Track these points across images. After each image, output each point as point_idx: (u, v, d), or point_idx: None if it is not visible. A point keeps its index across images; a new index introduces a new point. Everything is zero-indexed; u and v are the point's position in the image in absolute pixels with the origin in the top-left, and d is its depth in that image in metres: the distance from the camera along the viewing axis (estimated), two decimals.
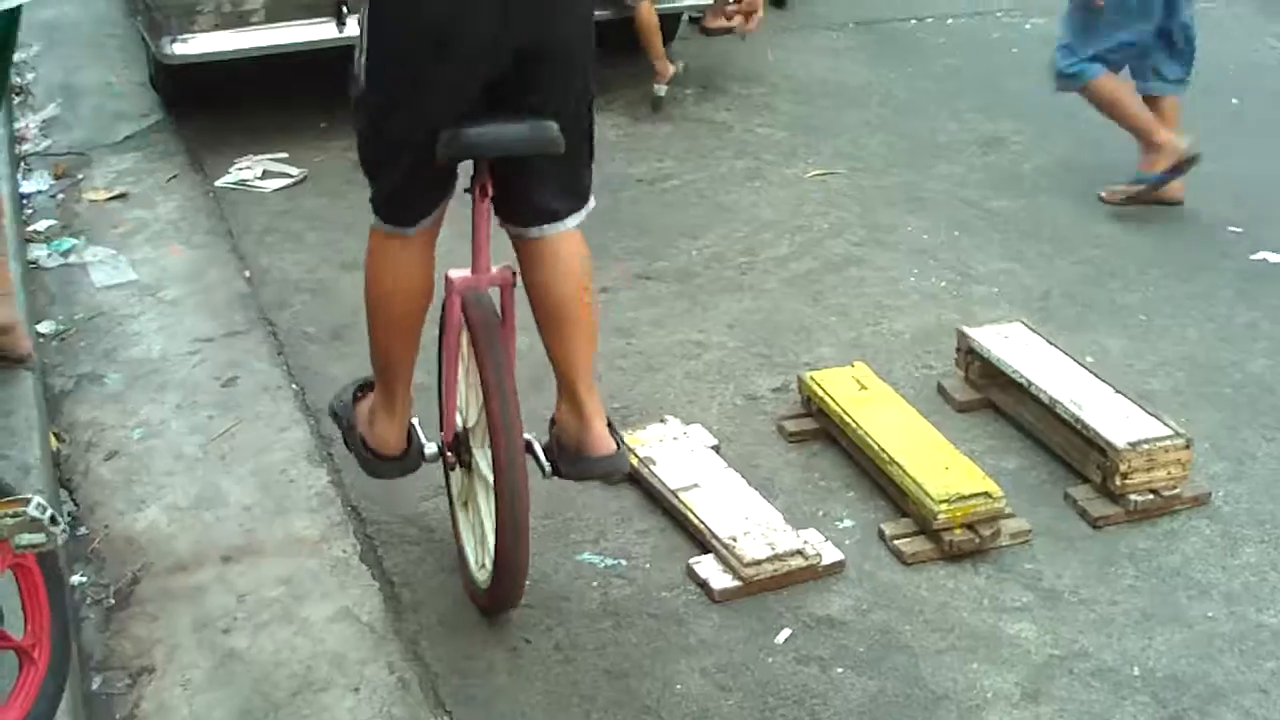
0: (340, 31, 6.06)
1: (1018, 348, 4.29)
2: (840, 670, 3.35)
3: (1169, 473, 3.86)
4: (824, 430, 4.20)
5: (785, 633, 3.46)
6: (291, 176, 6.02)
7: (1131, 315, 4.96)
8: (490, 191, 3.24)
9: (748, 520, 3.71)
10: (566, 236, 3.32)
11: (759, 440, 4.22)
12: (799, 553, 3.63)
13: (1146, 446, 3.82)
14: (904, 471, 3.79)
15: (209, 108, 6.64)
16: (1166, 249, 5.45)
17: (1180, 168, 5.57)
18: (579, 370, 3.37)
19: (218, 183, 5.98)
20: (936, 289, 5.14)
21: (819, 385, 4.19)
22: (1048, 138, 6.51)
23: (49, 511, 2.77)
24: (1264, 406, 4.40)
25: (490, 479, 3.30)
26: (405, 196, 3.27)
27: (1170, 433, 3.88)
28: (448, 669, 3.35)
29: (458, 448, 3.51)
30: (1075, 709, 3.24)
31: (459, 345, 3.40)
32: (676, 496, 3.82)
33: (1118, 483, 3.82)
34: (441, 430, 3.53)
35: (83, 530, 3.82)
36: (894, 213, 5.74)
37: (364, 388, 3.64)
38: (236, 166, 6.09)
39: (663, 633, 3.46)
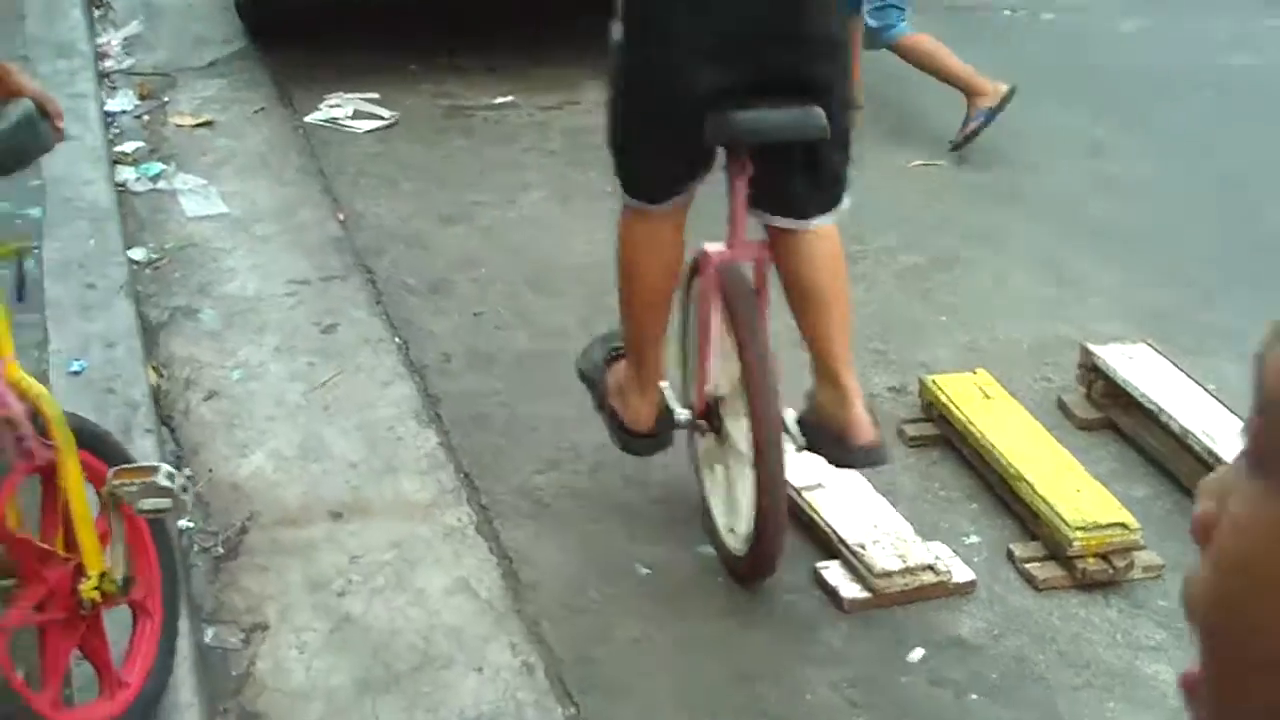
0: None
1: (1144, 369, 4.17)
2: (975, 697, 3.24)
3: None
4: (944, 437, 4.08)
5: (918, 651, 3.35)
6: (384, 119, 5.88)
7: (1248, 342, 4.81)
8: (750, 170, 3.19)
9: (876, 529, 3.59)
10: (820, 232, 3.29)
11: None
12: (930, 568, 3.51)
13: None
14: (1034, 491, 3.68)
15: (294, 39, 6.48)
16: (1264, 267, 5.32)
17: (1005, 101, 5.82)
18: (837, 351, 3.34)
19: (307, 119, 5.85)
20: (1049, 296, 5.01)
21: (941, 390, 4.08)
22: (1153, 141, 6.37)
23: (178, 480, 2.68)
24: None
25: (745, 453, 3.28)
26: (661, 174, 3.24)
27: None
28: (572, 656, 3.23)
29: (709, 416, 3.49)
30: None
31: (713, 318, 3.36)
32: (801, 495, 3.69)
33: None
34: (692, 398, 3.53)
35: (187, 472, 3.68)
36: (999, 211, 5.61)
37: (615, 351, 3.62)
38: (327, 103, 5.96)
39: (791, 637, 3.35)
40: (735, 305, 3.27)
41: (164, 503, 2.67)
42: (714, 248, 3.33)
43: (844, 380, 3.35)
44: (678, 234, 3.33)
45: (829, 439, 3.40)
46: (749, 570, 3.42)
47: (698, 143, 3.12)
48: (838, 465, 3.49)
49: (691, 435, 3.63)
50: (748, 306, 3.26)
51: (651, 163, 3.25)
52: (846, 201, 3.36)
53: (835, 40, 3.23)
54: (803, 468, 3.75)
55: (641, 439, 3.55)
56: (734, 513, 3.44)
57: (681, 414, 3.51)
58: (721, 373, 3.44)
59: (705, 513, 3.57)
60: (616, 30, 3.18)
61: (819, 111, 3.10)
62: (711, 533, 3.54)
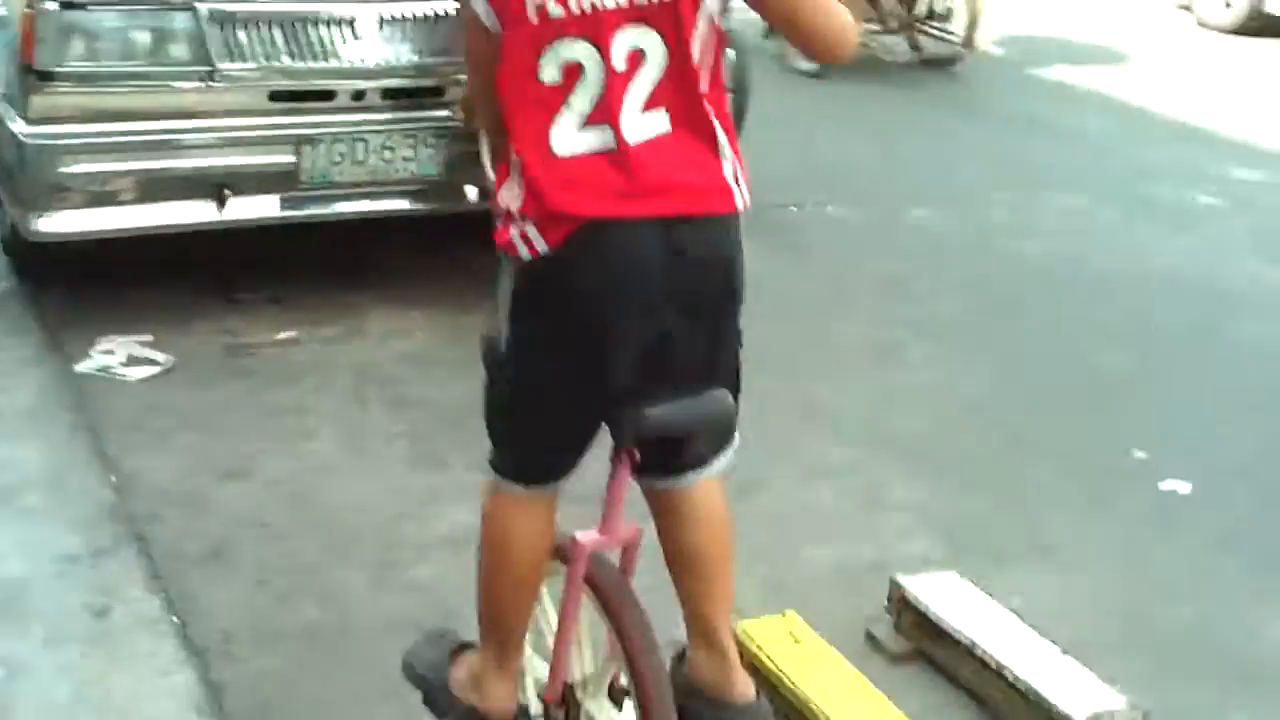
0: (220, 214, 5.71)
1: (954, 600, 4.09)
2: None
3: None
4: (758, 688, 3.94)
5: None
6: (158, 364, 5.63)
7: (1051, 554, 4.81)
8: (636, 458, 3.03)
9: None
10: (711, 485, 3.23)
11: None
12: None
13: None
14: None
15: (65, 277, 6.23)
16: (1073, 479, 5.33)
17: None
18: (718, 614, 3.25)
19: (78, 367, 5.57)
20: (853, 516, 4.94)
21: (751, 638, 3.94)
22: (943, 346, 6.40)
23: None
24: (1207, 664, 4.25)
25: None
26: (547, 461, 3.10)
27: (1127, 705, 3.70)
28: None
29: (564, 705, 3.26)
30: None
31: (578, 605, 3.15)
32: None
33: None
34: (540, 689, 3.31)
35: None
36: (792, 425, 5.54)
37: (459, 647, 3.40)
38: (98, 349, 5.69)
39: None
40: (609, 596, 3.10)
41: None
42: (585, 536, 3.10)
43: (723, 642, 3.26)
44: (551, 516, 3.15)
45: (706, 703, 3.28)
46: None
47: (590, 429, 3.03)
48: None
49: None
50: (623, 595, 3.11)
51: (541, 454, 3.10)
52: (736, 440, 3.27)
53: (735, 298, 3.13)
54: None
55: None
56: None
57: (533, 706, 3.30)
58: (576, 656, 3.25)
59: None
60: (501, 329, 2.99)
61: (726, 396, 3.04)
62: None
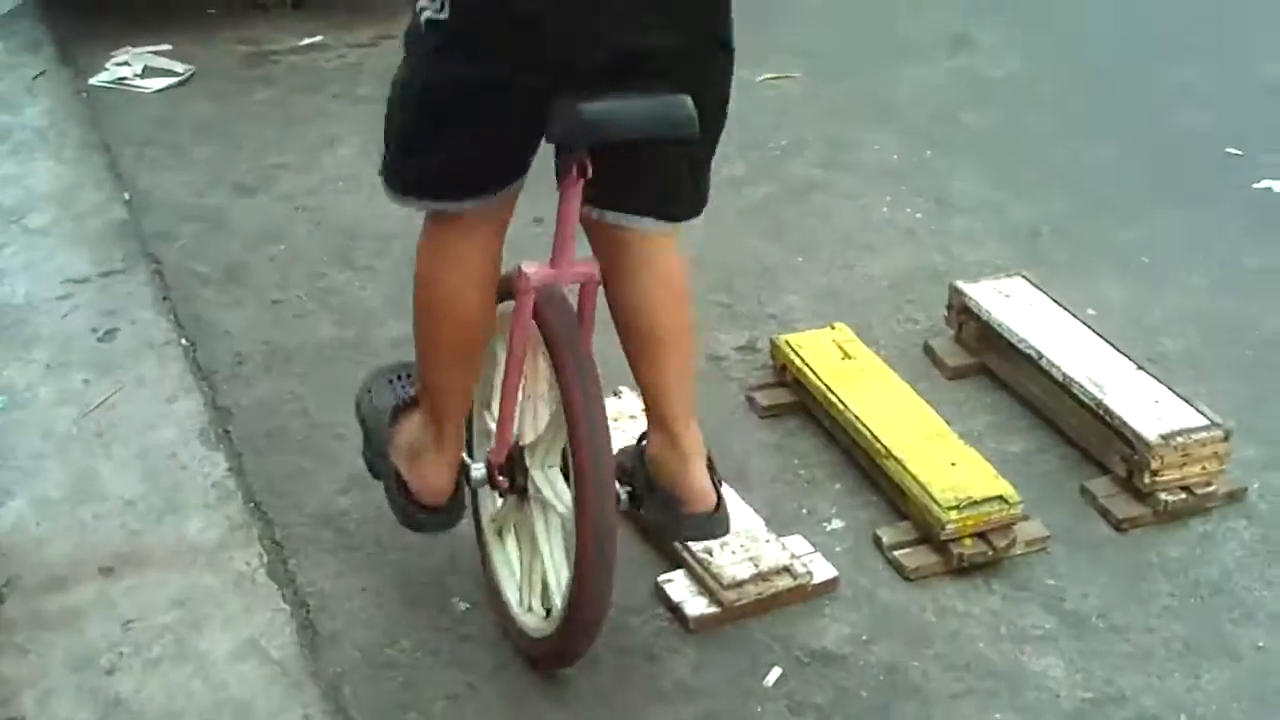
0: None
1: (1020, 308, 3.76)
2: None
3: (1204, 468, 3.36)
4: (801, 403, 3.66)
5: (775, 672, 2.93)
6: (177, 74, 5.32)
7: (1131, 257, 4.44)
8: (589, 172, 2.48)
9: None
10: (668, 241, 2.69)
11: (728, 415, 3.67)
12: (786, 570, 3.10)
13: (1180, 440, 3.32)
14: (903, 468, 3.27)
15: None
16: (1161, 176, 4.93)
17: None
18: (676, 400, 2.77)
19: (92, 81, 5.27)
20: (913, 222, 4.59)
21: (795, 352, 3.64)
22: (1022, 37, 5.93)
23: None
24: None
25: (559, 507, 2.74)
26: (473, 164, 2.52)
27: (1206, 423, 3.37)
28: None
29: (510, 469, 2.87)
30: None
31: (525, 352, 2.71)
32: None
33: (1146, 480, 3.32)
34: (487, 450, 2.91)
35: None
36: (858, 126, 5.16)
37: (407, 402, 2.97)
38: (114, 61, 5.38)
39: (632, 674, 2.92)
40: (555, 338, 2.64)
41: None
42: (532, 267, 2.63)
43: (682, 436, 2.77)
44: (494, 252, 2.64)
45: (658, 502, 2.84)
46: (561, 650, 2.82)
47: (520, 124, 2.46)
48: (666, 536, 2.97)
49: (474, 498, 3.06)
50: (570, 339, 2.64)
51: (459, 149, 2.48)
52: (699, 220, 2.74)
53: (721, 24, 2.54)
54: None
55: (433, 514, 2.90)
56: (534, 587, 2.92)
57: (476, 469, 2.88)
58: (525, 418, 2.86)
59: (493, 593, 3.03)
60: None
61: (686, 101, 2.41)
62: (502, 615, 2.99)
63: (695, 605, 3.04)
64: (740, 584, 3.05)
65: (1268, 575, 3.23)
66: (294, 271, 4.22)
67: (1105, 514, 3.36)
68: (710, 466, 2.82)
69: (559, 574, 2.84)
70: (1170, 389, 3.47)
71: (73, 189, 4.58)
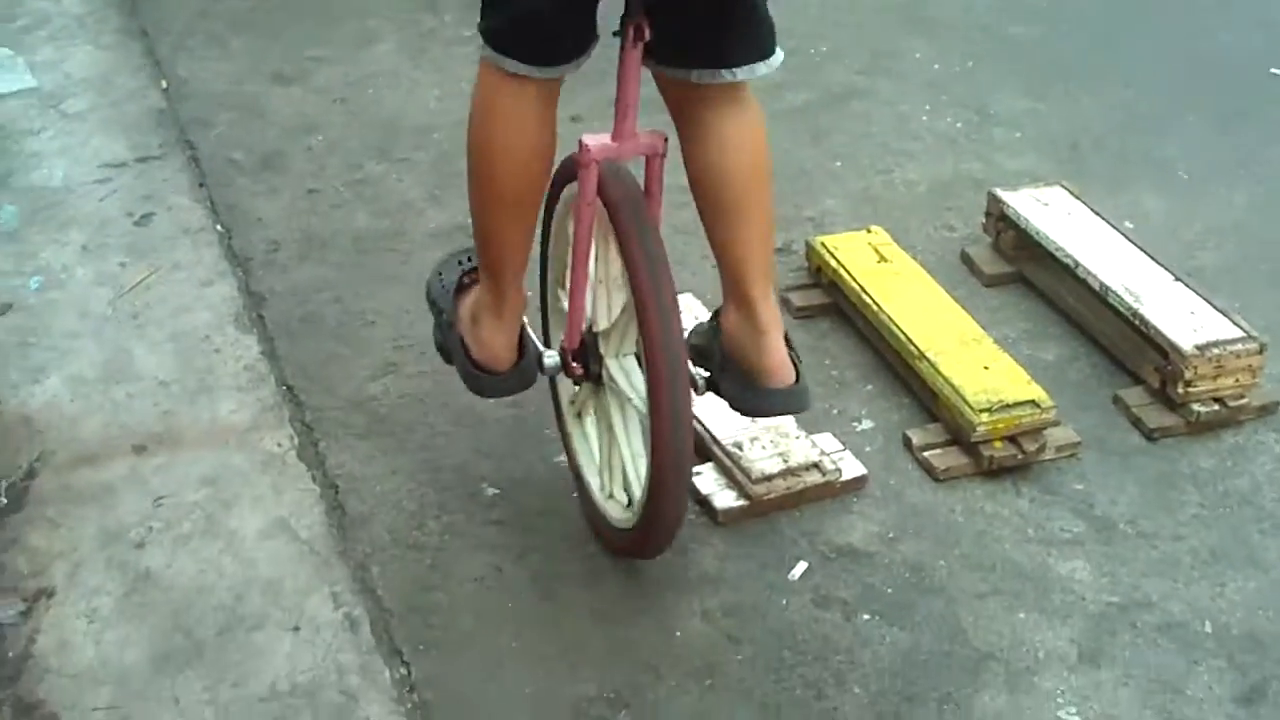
0: None
1: (1058, 217, 3.73)
2: (867, 618, 2.84)
3: (1237, 380, 3.34)
4: (835, 305, 3.65)
5: (801, 566, 2.95)
6: None
7: (1170, 171, 4.40)
8: (646, 35, 2.46)
9: (754, 423, 3.16)
10: (742, 94, 2.59)
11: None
12: (815, 466, 3.10)
13: (1216, 351, 3.30)
14: (936, 370, 3.26)
15: None
16: (1202, 92, 4.87)
17: None
18: (755, 271, 2.65)
19: None
20: (952, 130, 4.55)
21: (831, 254, 3.63)
22: None
23: None
24: None
25: (633, 398, 2.72)
26: (550, 23, 2.48)
27: (1242, 335, 3.35)
28: (403, 605, 2.81)
29: (583, 356, 2.84)
30: (1141, 674, 2.75)
31: (591, 232, 2.67)
32: None
33: (1179, 390, 3.30)
34: (560, 337, 2.90)
35: None
36: (898, 35, 5.11)
37: (471, 274, 2.94)
38: None
39: (658, 562, 2.92)
40: (620, 214, 2.57)
41: None
42: (594, 139, 2.57)
43: (761, 309, 2.66)
44: (550, 114, 2.58)
45: (735, 378, 2.75)
46: (640, 544, 2.79)
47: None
48: (746, 412, 2.81)
49: (554, 384, 3.07)
50: (637, 215, 2.56)
51: (540, 4, 2.45)
52: (779, 56, 2.59)
53: None
54: None
55: (496, 378, 2.85)
56: (615, 474, 2.90)
57: (549, 357, 2.86)
58: (599, 303, 2.81)
59: (576, 478, 3.03)
60: None
61: None
62: (586, 501, 3.00)
63: (724, 498, 3.05)
64: (769, 478, 3.05)
65: None
66: (331, 162, 4.21)
67: (1137, 423, 3.35)
68: (787, 340, 2.75)
69: (637, 465, 2.82)
70: (1207, 300, 3.45)
71: (111, 75, 4.57)
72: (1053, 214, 3.72)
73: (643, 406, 2.66)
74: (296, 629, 2.72)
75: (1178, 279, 3.52)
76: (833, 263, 3.60)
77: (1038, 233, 3.67)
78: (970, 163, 4.36)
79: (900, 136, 4.49)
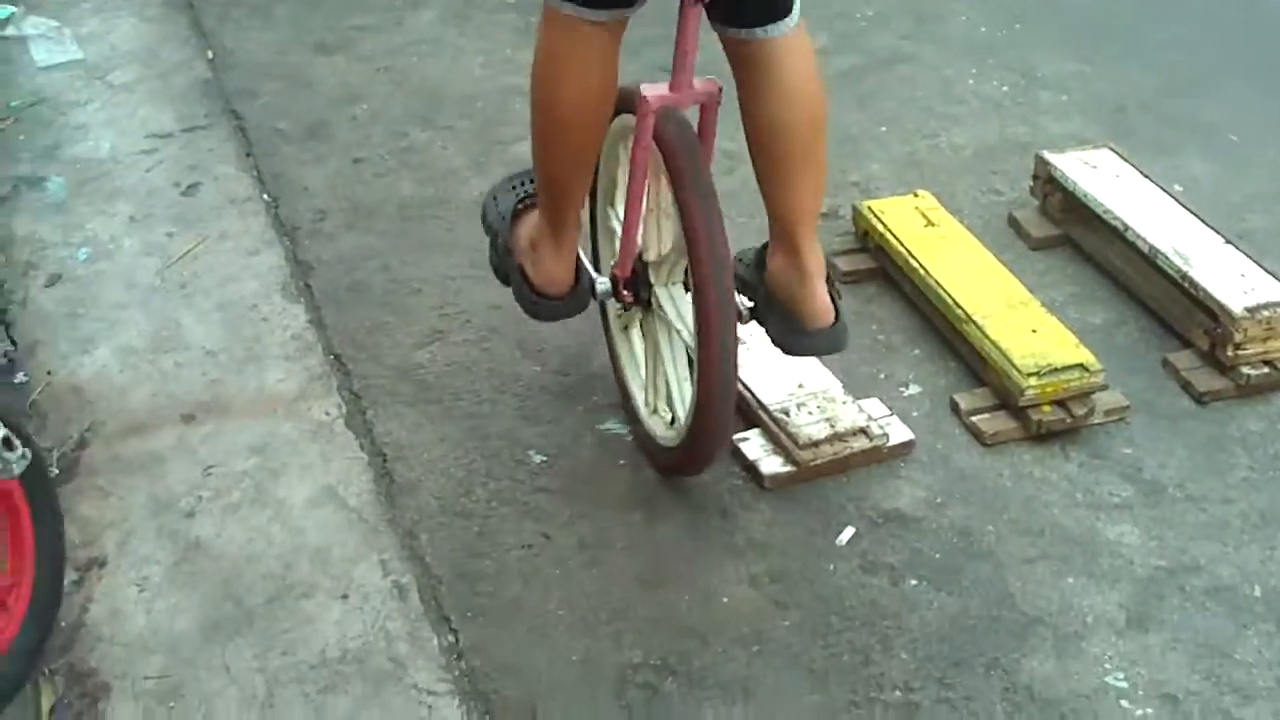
0: None
1: (1107, 180, 3.70)
2: (914, 583, 2.84)
3: None
4: (882, 270, 3.64)
5: (848, 532, 2.94)
6: None
7: (1219, 135, 4.35)
8: None
9: (801, 389, 3.16)
10: (800, 47, 2.65)
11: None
12: (863, 432, 3.09)
13: (1266, 314, 3.27)
14: (983, 334, 3.24)
15: None
16: (1250, 53, 4.82)
17: None
18: (803, 216, 2.75)
19: None
20: (998, 94, 4.52)
21: (878, 218, 3.61)
22: None
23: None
24: None
25: (682, 328, 2.83)
26: None
27: None
28: (451, 572, 2.82)
29: (634, 284, 2.95)
30: (1190, 639, 2.74)
31: (646, 173, 2.79)
32: None
33: (1229, 353, 3.28)
34: (612, 264, 3.00)
35: (22, 376, 3.25)
36: None
37: (526, 199, 3.05)
38: None
39: (705, 528, 2.94)
40: (677, 158, 2.68)
41: None
42: (652, 89, 2.68)
43: (806, 254, 2.76)
44: (614, 57, 2.66)
45: (778, 317, 2.86)
46: (682, 463, 2.93)
47: None
48: (787, 351, 2.91)
49: (604, 307, 3.15)
50: (692, 159, 2.68)
51: None
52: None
53: None
54: None
55: (553, 302, 2.96)
56: (660, 392, 3.00)
57: (601, 283, 2.97)
58: (650, 235, 2.92)
59: (623, 394, 3.12)
60: None
61: None
62: (633, 418, 3.08)
63: (770, 464, 3.05)
64: (816, 444, 3.05)
65: None
66: (375, 131, 4.22)
67: (1186, 386, 3.33)
68: (829, 281, 2.83)
69: (682, 389, 2.91)
70: (1257, 263, 3.42)
71: (156, 46, 4.58)
72: (1101, 176, 3.69)
73: (689, 336, 2.78)
74: (345, 597, 2.73)
75: (1228, 241, 3.49)
76: (879, 227, 3.58)
77: (1086, 195, 3.65)
78: (1016, 126, 4.32)
79: (946, 101, 4.47)
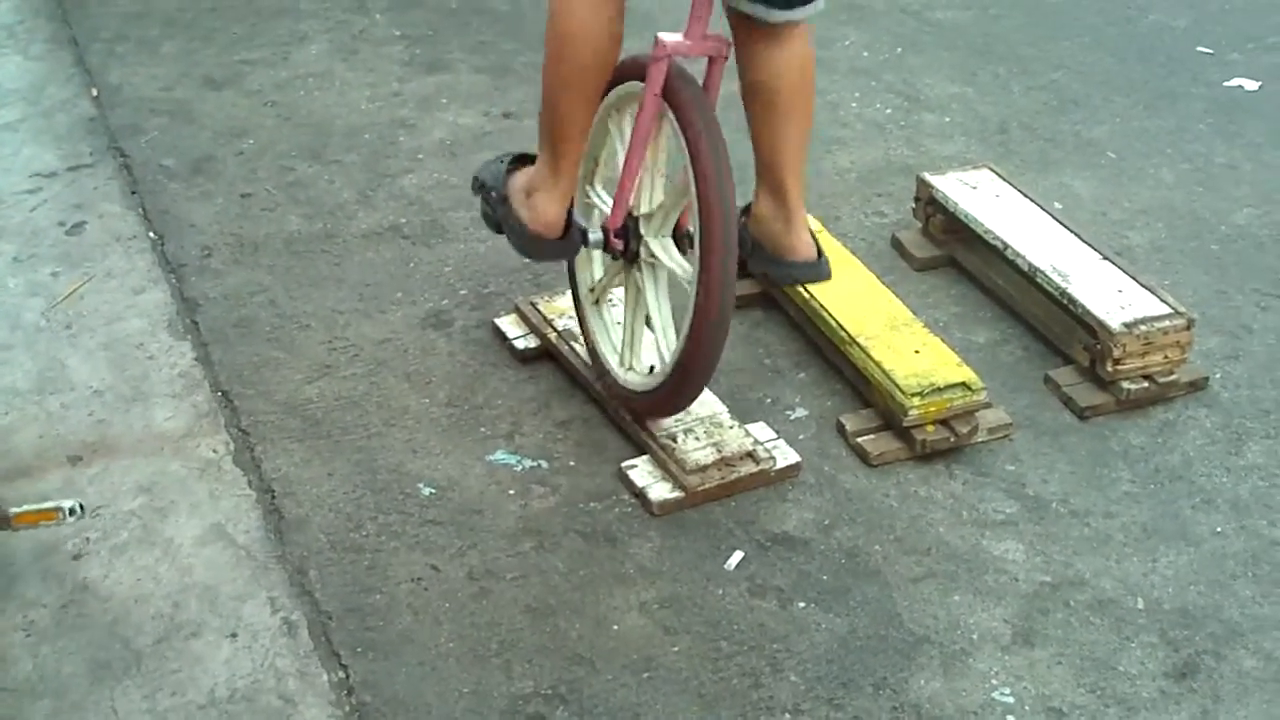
0: None
1: (987, 200, 3.76)
2: (803, 605, 2.86)
3: (1166, 356, 3.38)
4: (767, 294, 3.67)
5: (737, 556, 2.97)
6: None
7: (1099, 152, 4.44)
8: None
9: (689, 414, 3.19)
10: (801, 29, 3.13)
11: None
12: (750, 456, 3.12)
13: (1144, 329, 3.33)
14: (867, 356, 3.28)
15: None
16: (1131, 73, 4.92)
17: None
18: (790, 162, 3.23)
19: None
20: (882, 117, 4.58)
21: None
22: None
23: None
24: (1255, 266, 3.93)
25: (677, 271, 3.04)
26: None
27: (1169, 311, 3.39)
28: (341, 607, 2.81)
29: (625, 234, 3.15)
30: (1075, 652, 2.78)
31: (654, 121, 2.99)
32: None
33: (1109, 368, 3.34)
34: (604, 214, 3.22)
35: None
36: (827, 23, 5.13)
37: (518, 160, 3.32)
38: None
39: (594, 556, 2.95)
40: (685, 106, 2.90)
41: None
42: (669, 36, 2.91)
43: (791, 198, 3.26)
44: (621, 7, 2.94)
45: (765, 257, 3.37)
46: (663, 403, 3.11)
47: None
48: (775, 282, 3.39)
49: (574, 278, 3.37)
50: (701, 105, 2.90)
51: None
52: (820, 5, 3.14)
53: None
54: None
55: (549, 244, 3.19)
56: (637, 349, 3.23)
57: (594, 233, 3.19)
58: (642, 189, 3.13)
59: (593, 357, 3.32)
60: None
61: None
62: (602, 377, 3.28)
63: (659, 490, 3.07)
64: (704, 469, 3.07)
65: (1227, 463, 3.26)
66: (262, 165, 4.20)
67: (1068, 402, 3.39)
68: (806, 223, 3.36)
69: (667, 334, 3.15)
70: (1134, 279, 3.49)
71: (41, 84, 4.54)
72: (981, 197, 3.75)
73: (687, 275, 2.99)
74: (234, 635, 2.72)
75: (1105, 258, 3.55)
76: None
77: (966, 215, 3.70)
78: (900, 148, 4.39)
79: (831, 124, 4.52)
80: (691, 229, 2.96)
